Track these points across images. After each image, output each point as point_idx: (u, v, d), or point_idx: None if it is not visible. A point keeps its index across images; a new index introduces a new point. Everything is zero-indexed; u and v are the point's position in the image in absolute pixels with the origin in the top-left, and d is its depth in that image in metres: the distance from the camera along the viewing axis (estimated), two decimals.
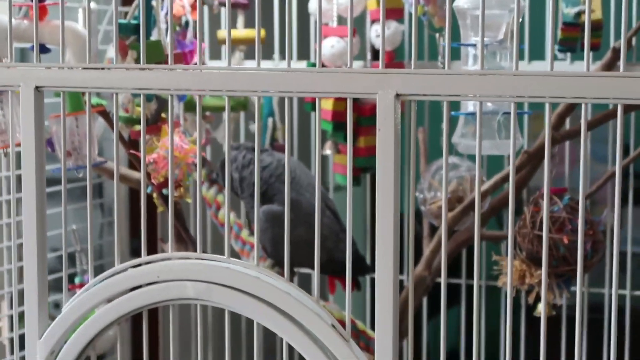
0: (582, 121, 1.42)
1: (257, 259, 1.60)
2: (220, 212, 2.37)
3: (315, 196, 1.53)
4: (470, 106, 1.86)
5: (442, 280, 1.50)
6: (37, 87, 1.66)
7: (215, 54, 2.62)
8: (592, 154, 2.64)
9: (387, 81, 1.47)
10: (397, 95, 1.47)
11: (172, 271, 1.62)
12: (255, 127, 2.46)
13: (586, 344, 2.40)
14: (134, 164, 2.12)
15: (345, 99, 2.23)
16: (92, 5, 2.21)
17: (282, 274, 2.25)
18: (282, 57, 2.57)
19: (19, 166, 1.71)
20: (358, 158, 2.33)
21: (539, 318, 2.20)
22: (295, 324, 1.56)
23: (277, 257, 2.25)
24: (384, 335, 1.51)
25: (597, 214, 2.14)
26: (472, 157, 2.20)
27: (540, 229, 1.97)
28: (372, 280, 2.63)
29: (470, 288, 2.71)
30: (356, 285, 2.39)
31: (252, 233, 2.40)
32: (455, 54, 1.92)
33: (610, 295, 2.51)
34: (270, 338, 2.38)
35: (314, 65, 2.37)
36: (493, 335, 2.57)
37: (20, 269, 1.78)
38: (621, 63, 1.38)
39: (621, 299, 2.53)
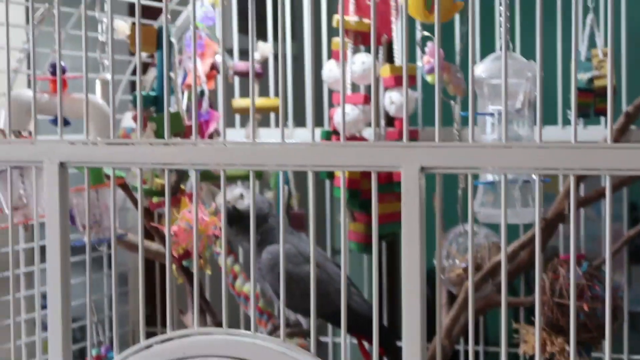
0: (607, 193, 1.42)
1: (284, 334, 1.60)
2: (237, 282, 2.37)
3: (342, 265, 1.54)
4: (489, 175, 1.87)
5: (470, 347, 1.49)
6: (61, 163, 1.67)
7: (230, 122, 2.63)
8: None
9: (412, 155, 1.48)
10: (422, 169, 1.48)
11: (198, 347, 1.61)
12: (273, 194, 2.51)
13: None
14: (150, 234, 2.12)
15: None
16: (108, 76, 2.24)
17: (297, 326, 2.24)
18: (296, 124, 2.59)
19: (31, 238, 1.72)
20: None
21: None
22: None
23: (292, 299, 2.20)
24: None
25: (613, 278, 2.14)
26: (488, 224, 2.21)
27: (560, 296, 1.97)
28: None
29: (488, 355, 2.69)
30: (386, 350, 2.35)
31: (268, 303, 2.39)
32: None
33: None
34: None
35: (328, 132, 2.38)
36: None
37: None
38: None
39: None
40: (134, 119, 2.08)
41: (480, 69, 1.90)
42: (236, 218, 2.19)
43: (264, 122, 2.64)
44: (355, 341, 2.45)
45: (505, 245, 1.51)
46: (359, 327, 2.17)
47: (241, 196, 2.20)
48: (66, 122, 1.92)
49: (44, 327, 1.73)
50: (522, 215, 1.88)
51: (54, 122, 1.82)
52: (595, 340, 1.97)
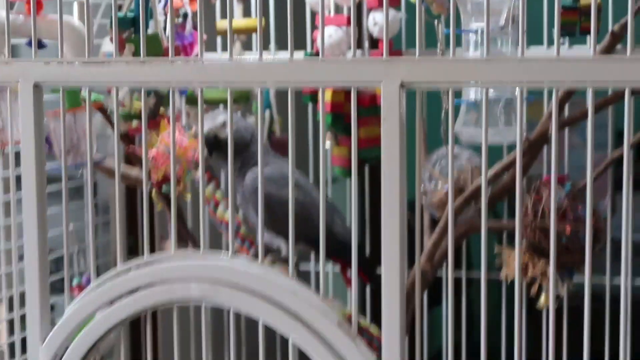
0: (589, 105, 1.41)
1: (262, 256, 1.59)
2: (218, 209, 2.35)
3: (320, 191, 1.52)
4: (471, 94, 1.85)
5: (449, 274, 1.49)
6: (36, 83, 1.64)
7: (212, 46, 2.59)
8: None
9: (392, 70, 1.46)
10: (402, 84, 1.45)
11: (175, 272, 1.59)
12: (257, 118, 2.47)
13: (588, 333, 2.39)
14: (131, 160, 2.10)
15: (343, 91, 2.26)
16: None
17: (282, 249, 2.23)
18: (279, 47, 2.55)
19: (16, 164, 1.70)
20: (358, 150, 2.30)
21: (541, 309, 2.20)
22: (301, 323, 1.54)
23: (274, 223, 2.20)
24: (391, 332, 1.50)
25: (596, 202, 2.13)
26: (471, 146, 2.19)
27: (543, 218, 1.95)
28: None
29: (470, 281, 2.69)
30: (369, 278, 2.34)
31: (250, 230, 2.38)
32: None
33: (611, 284, 2.50)
34: (269, 337, 2.36)
35: (311, 54, 2.35)
36: (493, 327, 2.56)
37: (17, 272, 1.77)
38: (628, 47, 1.37)
39: (618, 287, 2.52)
40: (112, 40, 2.05)
41: None
42: (217, 146, 2.17)
43: (248, 46, 2.60)
44: (338, 270, 2.45)
45: (486, 164, 1.49)
46: (342, 253, 2.16)
47: (224, 124, 2.18)
48: (43, 45, 1.88)
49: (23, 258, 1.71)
50: (505, 134, 1.85)
51: (30, 44, 1.78)
52: (577, 263, 1.97)
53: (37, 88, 1.64)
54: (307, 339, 1.53)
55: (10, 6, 1.81)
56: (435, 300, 2.80)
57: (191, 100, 2.35)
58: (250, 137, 2.21)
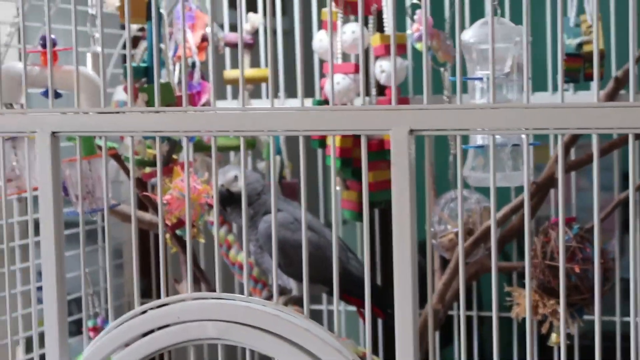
0: (595, 150, 1.44)
1: (277, 296, 1.61)
2: (231, 252, 2.38)
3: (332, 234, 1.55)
4: (479, 139, 1.88)
5: (461, 310, 1.51)
6: (53, 133, 1.68)
7: (221, 95, 2.64)
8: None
9: (401, 117, 1.49)
10: (411, 131, 1.49)
11: (192, 311, 1.63)
12: (266, 164, 2.52)
13: None
14: (144, 205, 2.13)
15: (352, 136, 2.30)
16: (99, 49, 2.24)
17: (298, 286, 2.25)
18: (288, 95, 2.59)
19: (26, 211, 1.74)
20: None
21: (552, 348, 2.21)
22: None
23: (291, 266, 2.22)
24: None
25: (604, 242, 2.15)
26: (479, 189, 2.22)
27: (552, 259, 1.98)
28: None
29: (481, 320, 2.71)
30: (384, 313, 2.36)
31: (262, 272, 2.40)
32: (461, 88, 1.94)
33: (621, 322, 2.51)
34: None
35: (319, 102, 2.39)
36: None
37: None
38: (631, 93, 1.40)
39: (628, 325, 2.54)
40: (125, 90, 2.09)
41: (469, 34, 1.90)
42: (230, 200, 2.20)
43: (256, 94, 2.65)
44: (350, 308, 2.47)
45: (494, 208, 1.52)
46: (357, 290, 2.18)
47: (235, 178, 2.21)
48: (58, 95, 1.92)
49: (40, 301, 1.73)
50: (512, 179, 1.88)
51: (46, 94, 1.83)
52: (587, 302, 1.99)
53: (54, 137, 1.68)
54: None
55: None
56: (447, 340, 2.82)
57: (199, 147, 2.38)
58: (262, 188, 2.24)
